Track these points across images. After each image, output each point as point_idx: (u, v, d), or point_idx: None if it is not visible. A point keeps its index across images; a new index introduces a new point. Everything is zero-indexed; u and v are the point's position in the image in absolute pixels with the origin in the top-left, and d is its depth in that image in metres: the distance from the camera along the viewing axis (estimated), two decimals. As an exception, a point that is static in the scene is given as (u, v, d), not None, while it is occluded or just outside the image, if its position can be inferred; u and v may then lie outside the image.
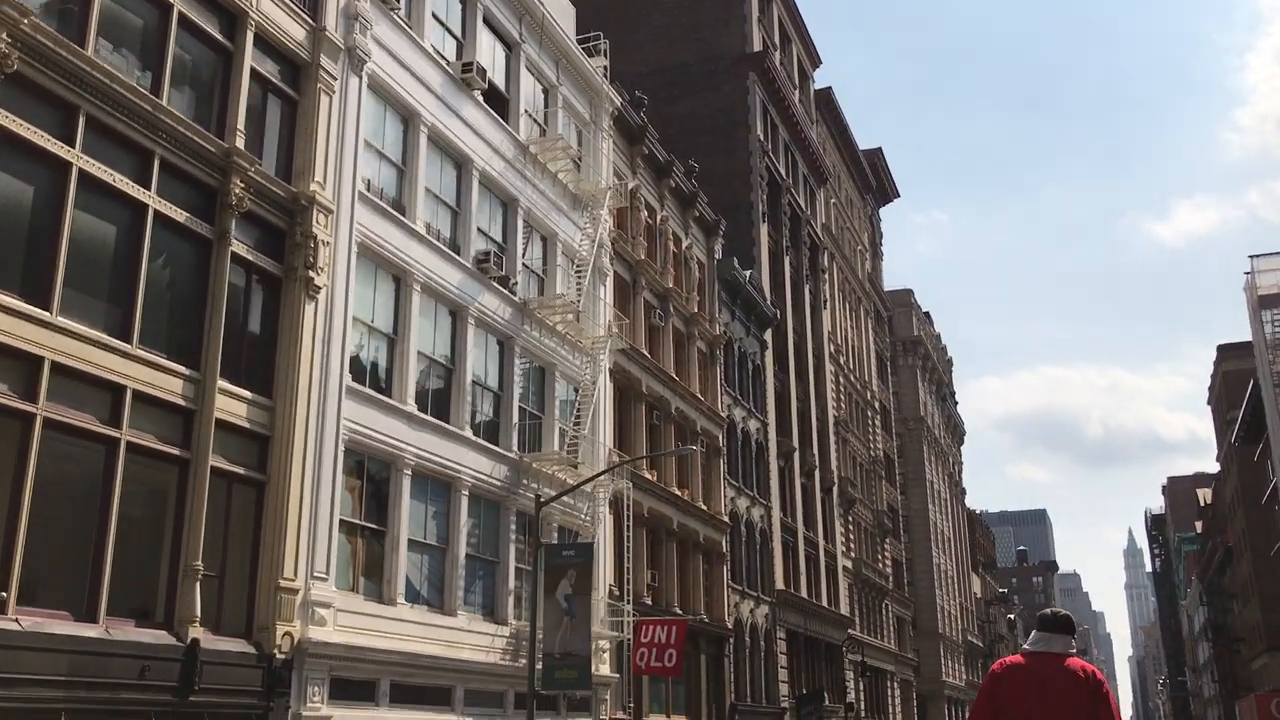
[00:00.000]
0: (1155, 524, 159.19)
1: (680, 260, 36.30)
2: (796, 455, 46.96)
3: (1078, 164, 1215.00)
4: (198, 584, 15.27)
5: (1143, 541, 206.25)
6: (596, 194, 28.44)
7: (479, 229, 24.05)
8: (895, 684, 60.92)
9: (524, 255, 26.10)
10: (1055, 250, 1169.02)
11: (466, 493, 22.12)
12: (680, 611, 32.05)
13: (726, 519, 36.89)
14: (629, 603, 27.03)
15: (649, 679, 29.25)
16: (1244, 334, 68.42)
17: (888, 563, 63.19)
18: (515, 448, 24.23)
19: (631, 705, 26.84)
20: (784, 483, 45.42)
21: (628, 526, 27.58)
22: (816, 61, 59.19)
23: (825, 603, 48.39)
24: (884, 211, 79.33)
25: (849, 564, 53.87)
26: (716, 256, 39.41)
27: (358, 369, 19.81)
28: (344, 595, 18.57)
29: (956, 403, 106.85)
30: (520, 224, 25.66)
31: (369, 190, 20.52)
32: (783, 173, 49.97)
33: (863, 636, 54.73)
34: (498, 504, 23.45)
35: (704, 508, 35.04)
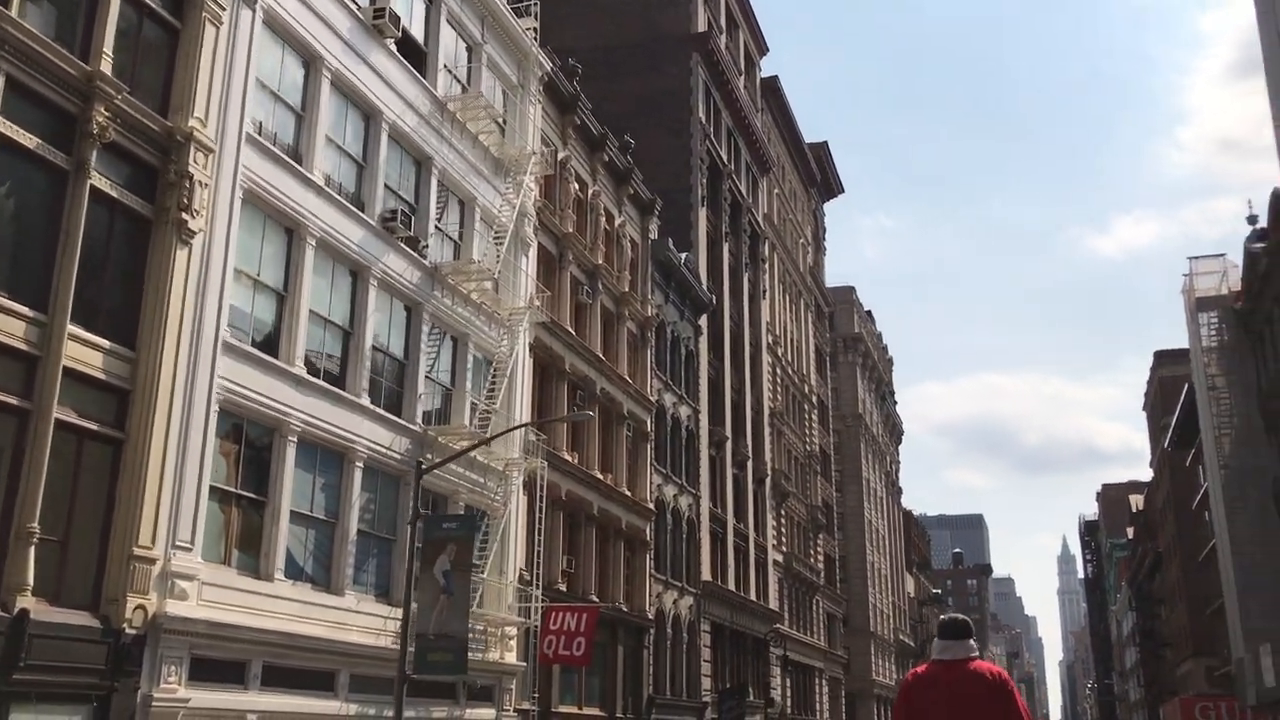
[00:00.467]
0: (1088, 530, 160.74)
1: (612, 238, 35.04)
2: (729, 445, 45.93)
3: (1023, 176, 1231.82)
4: (32, 549, 13.75)
5: (1076, 548, 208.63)
6: (520, 159, 27.07)
7: (387, 186, 22.61)
8: (823, 681, 60.21)
9: (439, 219, 24.69)
10: (999, 260, 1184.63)
11: (361, 465, 20.70)
12: (597, 600, 30.81)
13: (652, 506, 35.73)
14: (538, 588, 25.73)
15: (561, 669, 28.00)
16: (1180, 341, 68.78)
17: (820, 558, 62.47)
18: (420, 420, 22.84)
19: (537, 695, 25.55)
20: (715, 472, 44.36)
21: (540, 508, 26.27)
22: (763, 49, 58.19)
23: (753, 596, 47.43)
24: (833, 213, 79.14)
25: (780, 558, 52.99)
26: (651, 237, 38.20)
27: (240, 325, 18.31)
28: (212, 568, 17.09)
29: (896, 402, 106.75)
30: (434, 184, 24.24)
31: (260, 134, 19.02)
32: (725, 158, 48.90)
33: (791, 632, 53.90)
34: (397, 479, 22.03)
35: (628, 494, 33.83)
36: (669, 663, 36.86)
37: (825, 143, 70.68)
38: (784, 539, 54.46)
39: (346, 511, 20.33)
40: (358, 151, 21.95)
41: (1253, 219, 40.29)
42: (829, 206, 79.46)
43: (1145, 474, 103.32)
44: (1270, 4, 28.22)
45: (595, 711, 30.74)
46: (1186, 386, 54.55)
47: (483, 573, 23.83)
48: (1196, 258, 45.21)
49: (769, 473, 52.04)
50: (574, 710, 29.46)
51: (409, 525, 19.21)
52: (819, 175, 70.61)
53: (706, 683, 40.31)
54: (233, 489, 17.95)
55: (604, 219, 34.17)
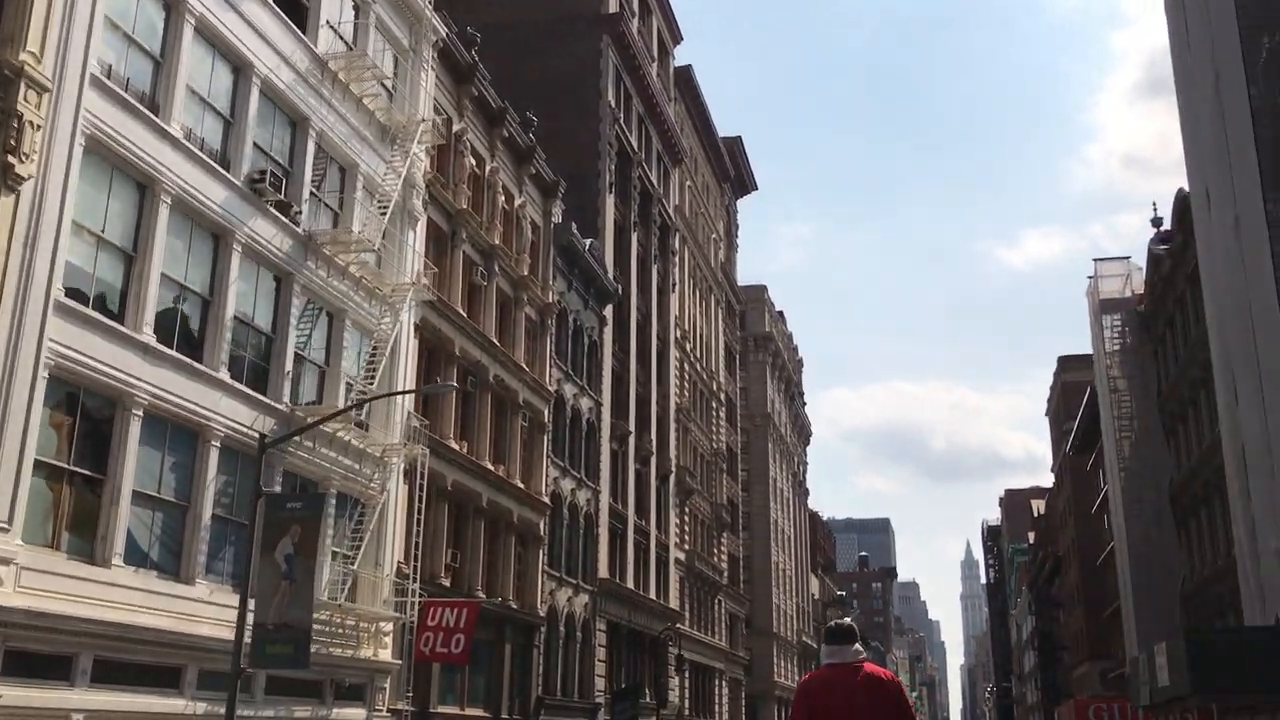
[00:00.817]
0: (991, 535, 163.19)
1: (511, 218, 33.70)
2: (632, 439, 44.85)
3: (935, 187, 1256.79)
4: None
5: (979, 554, 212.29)
6: (409, 126, 25.60)
7: (257, 145, 21.00)
8: (724, 682, 59.47)
9: (316, 185, 23.13)
10: (911, 270, 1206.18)
11: (218, 444, 19.09)
12: (484, 596, 29.46)
13: (547, 500, 34.45)
14: (416, 581, 24.29)
15: (442, 667, 26.58)
16: (1084, 348, 69.65)
17: (724, 558, 61.76)
18: (287, 400, 21.28)
19: (410, 694, 24.11)
20: (616, 467, 43.24)
21: (420, 498, 24.83)
22: (677, 37, 57.30)
23: (654, 595, 46.42)
24: (748, 215, 78.37)
25: (682, 556, 52.07)
26: (555, 220, 36.94)
27: (78, 285, 16.63)
28: (36, 551, 15.42)
29: (805, 404, 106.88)
30: (311, 148, 22.68)
31: (110, 78, 17.34)
32: (635, 145, 47.84)
33: (692, 632, 53.02)
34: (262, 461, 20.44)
35: (521, 486, 32.51)
36: (561, 662, 35.63)
37: (739, 138, 70.13)
38: (687, 537, 53.58)
39: (200, 494, 18.72)
40: (224, 106, 20.33)
41: (1157, 221, 40.46)
42: (742, 205, 78.97)
43: (1047, 480, 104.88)
44: (1181, 22, 27.97)
45: (479, 712, 29.36)
46: (1089, 390, 54.98)
47: (353, 564, 22.36)
48: (1101, 260, 45.43)
49: (673, 469, 51.10)
50: (455, 711, 28.06)
51: (256, 505, 17.62)
52: (733, 170, 69.99)
53: (600, 683, 39.15)
54: (65, 465, 16.26)
55: (502, 198, 32.82)
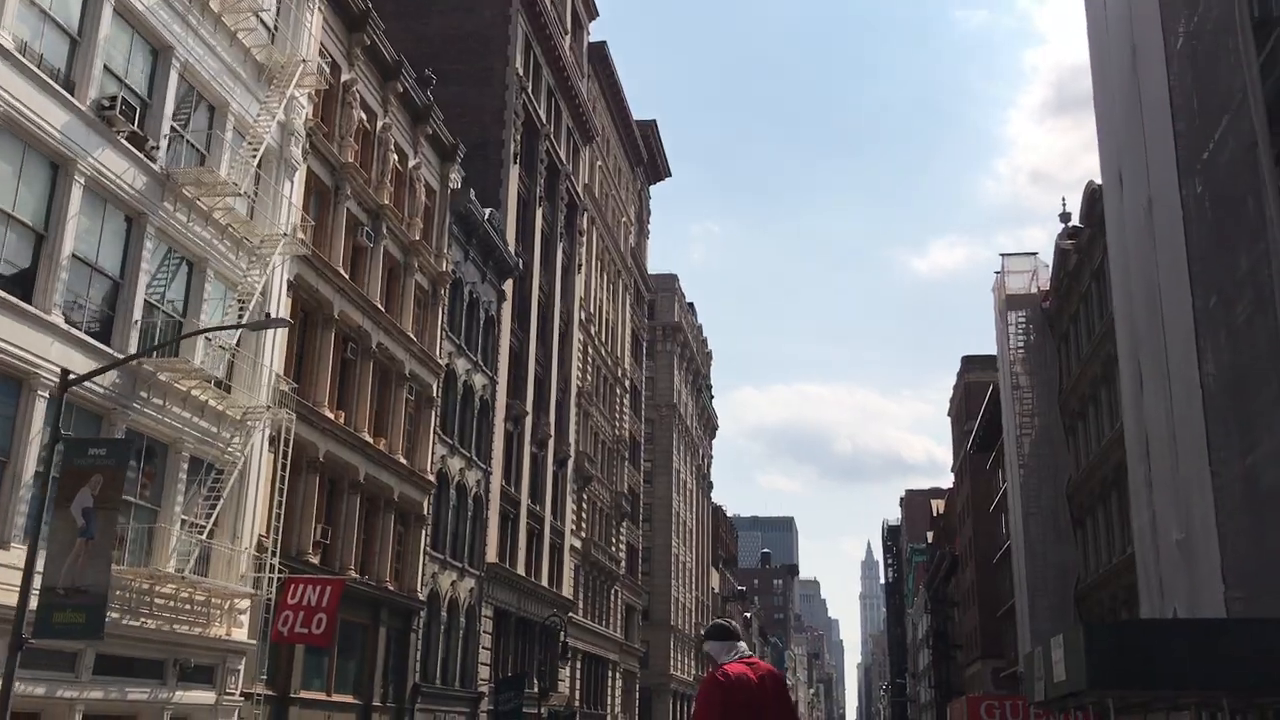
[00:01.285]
0: (891, 535, 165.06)
1: (404, 180, 31.91)
2: (529, 421, 43.31)
3: (848, 193, 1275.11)
4: None
5: (879, 554, 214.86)
6: (289, 67, 23.73)
7: (109, 69, 19.03)
8: (617, 674, 58.26)
9: (182, 125, 21.19)
10: (820, 273, 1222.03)
11: (46, 395, 17.13)
12: (356, 575, 27.71)
13: (432, 479, 32.78)
14: (275, 555, 22.50)
15: (307, 650, 24.81)
16: (988, 352, 69.99)
17: (622, 547, 60.53)
18: (135, 350, 19.34)
19: (264, 678, 22.31)
20: (511, 448, 41.68)
21: (283, 465, 23.02)
22: (593, 12, 55.79)
23: (546, 582, 44.95)
24: (662, 207, 77.11)
25: (578, 544, 50.68)
26: (452, 186, 35.20)
27: (-125, 204, 14.61)
28: None
29: (713, 397, 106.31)
30: (175, 80, 20.72)
31: (-74, -27, 15.32)
32: (543, 118, 46.25)
33: (586, 622, 51.69)
34: (100, 417, 18.53)
35: (404, 462, 30.78)
36: (442, 649, 33.99)
37: (654, 122, 68.90)
38: (584, 525, 52.21)
39: (21, 448, 16.75)
40: (72, 23, 18.32)
41: (1065, 216, 40.18)
42: (656, 194, 77.91)
43: (948, 482, 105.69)
44: (1100, 3, 27.39)
45: (347, 699, 27.61)
46: (991, 388, 54.95)
47: (205, 534, 20.52)
48: (1009, 255, 45.16)
49: (572, 454, 49.68)
50: (321, 696, 26.28)
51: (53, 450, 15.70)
52: (646, 154, 68.74)
53: (485, 672, 37.60)
54: None
55: (395, 156, 31.02)
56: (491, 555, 38.32)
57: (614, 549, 58.18)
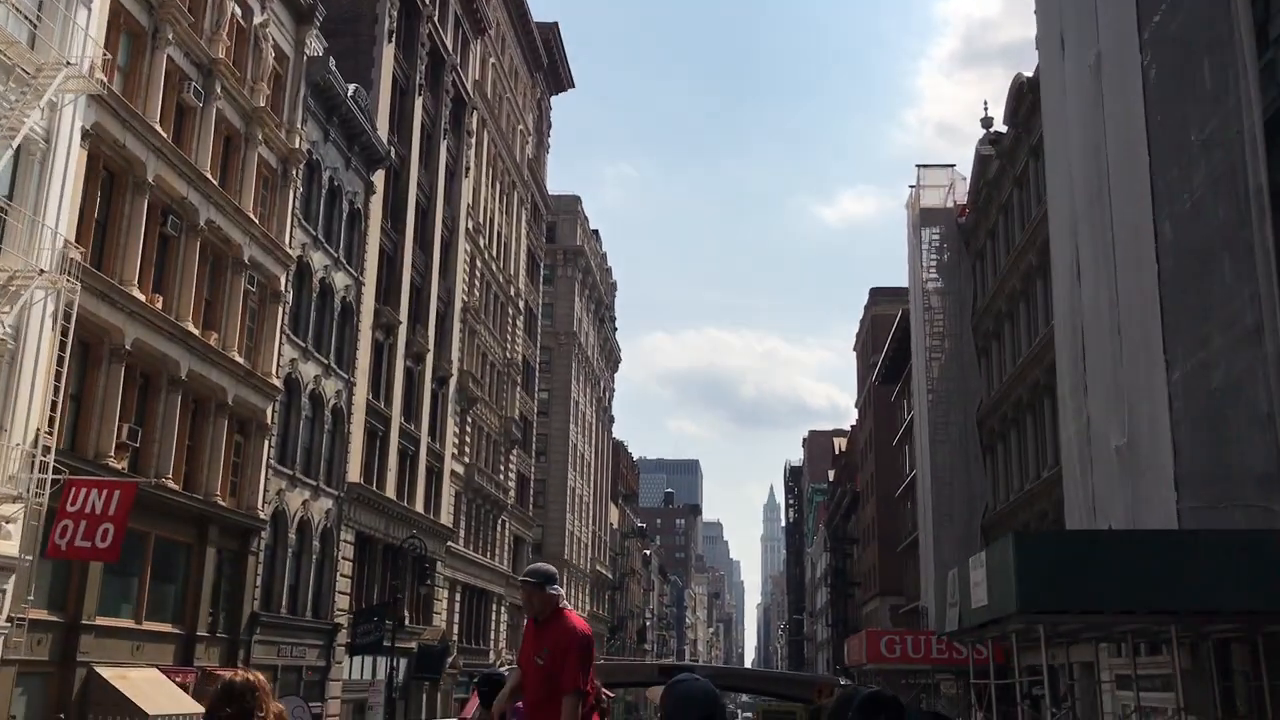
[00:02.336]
0: (793, 476, 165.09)
1: (246, 37, 27.57)
2: (403, 332, 39.43)
3: (758, 140, 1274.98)
4: None
5: (781, 498, 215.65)
6: None
7: None
8: (503, 608, 55.14)
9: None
10: (731, 220, 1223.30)
11: None
12: (179, 488, 23.87)
13: (279, 384, 28.88)
14: (51, 454, 18.53)
15: (106, 568, 20.95)
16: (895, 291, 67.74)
17: (511, 476, 57.13)
18: None
19: (31, 599, 18.44)
20: (381, 360, 37.84)
21: (61, 345, 19.00)
22: (489, -107, 51.13)
23: (421, 508, 41.40)
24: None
25: (460, 469, 47.14)
26: (309, 53, 30.89)
27: None
28: None
29: (616, 328, 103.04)
30: None
31: None
32: (427, -1, 41.83)
33: (467, 552, 48.35)
34: None
35: (241, 361, 26.81)
36: (290, 574, 30.36)
37: (556, 24, 64.48)
38: (468, 449, 48.65)
39: None
40: None
41: (987, 121, 37.35)
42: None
43: (850, 426, 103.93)
44: None
45: (163, 627, 23.82)
46: (900, 314, 52.54)
47: (-56, 421, 16.51)
48: (925, 166, 42.32)
49: (455, 373, 45.96)
50: (129, 624, 22.49)
51: None
52: (547, 60, 64.39)
53: (346, 601, 34.06)
54: None
55: (236, 7, 26.65)
56: (354, 475, 34.61)
57: (502, 477, 54.76)
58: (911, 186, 42.98)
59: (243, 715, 4.69)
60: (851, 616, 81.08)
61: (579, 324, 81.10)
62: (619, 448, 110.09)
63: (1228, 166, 15.71)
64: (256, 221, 27.60)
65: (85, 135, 20.49)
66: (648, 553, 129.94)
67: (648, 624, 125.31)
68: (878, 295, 75.93)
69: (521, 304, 60.03)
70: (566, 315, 78.46)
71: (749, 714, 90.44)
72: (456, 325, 46.47)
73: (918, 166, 42.32)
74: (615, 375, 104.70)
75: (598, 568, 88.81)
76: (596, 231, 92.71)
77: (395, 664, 39.35)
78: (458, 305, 46.48)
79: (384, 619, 32.63)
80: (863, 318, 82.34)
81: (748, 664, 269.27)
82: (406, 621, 40.46)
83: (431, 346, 42.90)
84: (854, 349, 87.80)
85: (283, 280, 29.18)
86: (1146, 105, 16.75)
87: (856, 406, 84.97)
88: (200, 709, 22.72)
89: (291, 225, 29.81)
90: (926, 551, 40.46)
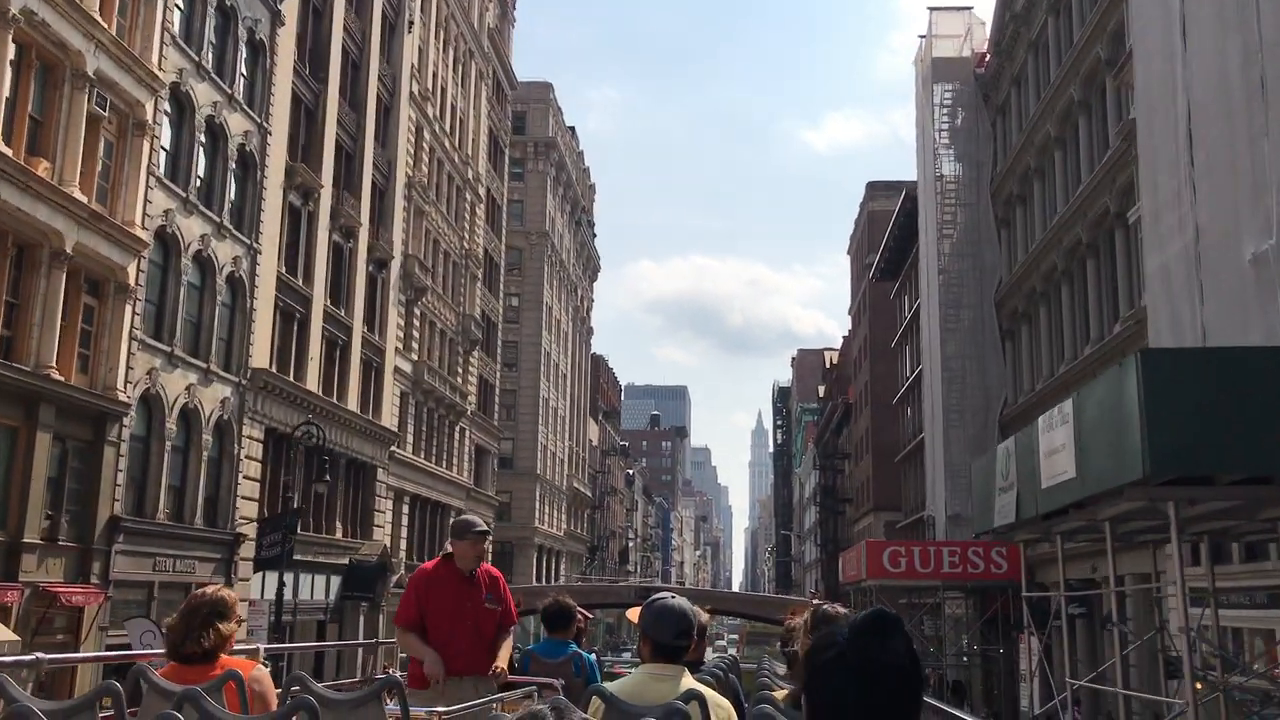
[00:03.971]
0: (781, 397, 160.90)
1: None
2: (326, 199, 33.70)
3: (744, 65, 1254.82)
4: None
5: (769, 423, 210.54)
6: None
7: None
8: (462, 524, 50.08)
9: None
10: (718, 145, 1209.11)
11: None
12: (-16, 351, 18.41)
13: (144, 237, 23.25)
14: None
15: None
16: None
17: (472, 380, 51.76)
18: None
19: None
20: (297, 228, 32.19)
21: None
22: None
23: (356, 407, 36.06)
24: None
25: (406, 367, 41.73)
26: None
27: None
28: None
29: (595, 235, 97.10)
30: None
31: None
32: None
33: (418, 460, 43.17)
34: None
35: (81, 199, 21.12)
36: (174, 474, 25.03)
37: (519, -122, 57.63)
38: (416, 344, 43.20)
39: None
40: None
41: (1016, -62, 31.36)
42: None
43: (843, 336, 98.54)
44: None
45: (-32, 533, 18.53)
46: (903, 196, 46.85)
47: None
48: (938, 9, 36.33)
49: (398, 257, 40.33)
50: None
51: None
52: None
53: (254, 509, 28.84)
54: None
55: None
56: (262, 360, 29.16)
57: (461, 381, 49.38)
58: (921, 36, 37.12)
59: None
60: (842, 535, 76.56)
61: (552, 224, 75.21)
62: (599, 362, 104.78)
63: None
64: (107, 28, 21.73)
65: None
66: (631, 472, 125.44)
67: (630, 544, 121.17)
68: (875, 190, 70.15)
69: (482, 190, 54.13)
70: (538, 213, 72.54)
71: (734, 636, 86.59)
72: (399, 202, 40.71)
73: (929, 10, 36.38)
74: (594, 285, 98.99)
75: (575, 485, 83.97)
76: (573, 129, 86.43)
77: (328, 583, 34.38)
78: (400, 179, 40.67)
79: (293, 529, 27.40)
80: (858, 217, 76.59)
81: (735, 587, 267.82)
82: (341, 535, 35.44)
83: (366, 222, 37.20)
84: (848, 252, 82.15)
85: (149, 109, 23.39)
86: None
87: (850, 314, 79.59)
88: (14, 637, 17.43)
89: (162, 42, 23.95)
90: (936, 455, 35.30)
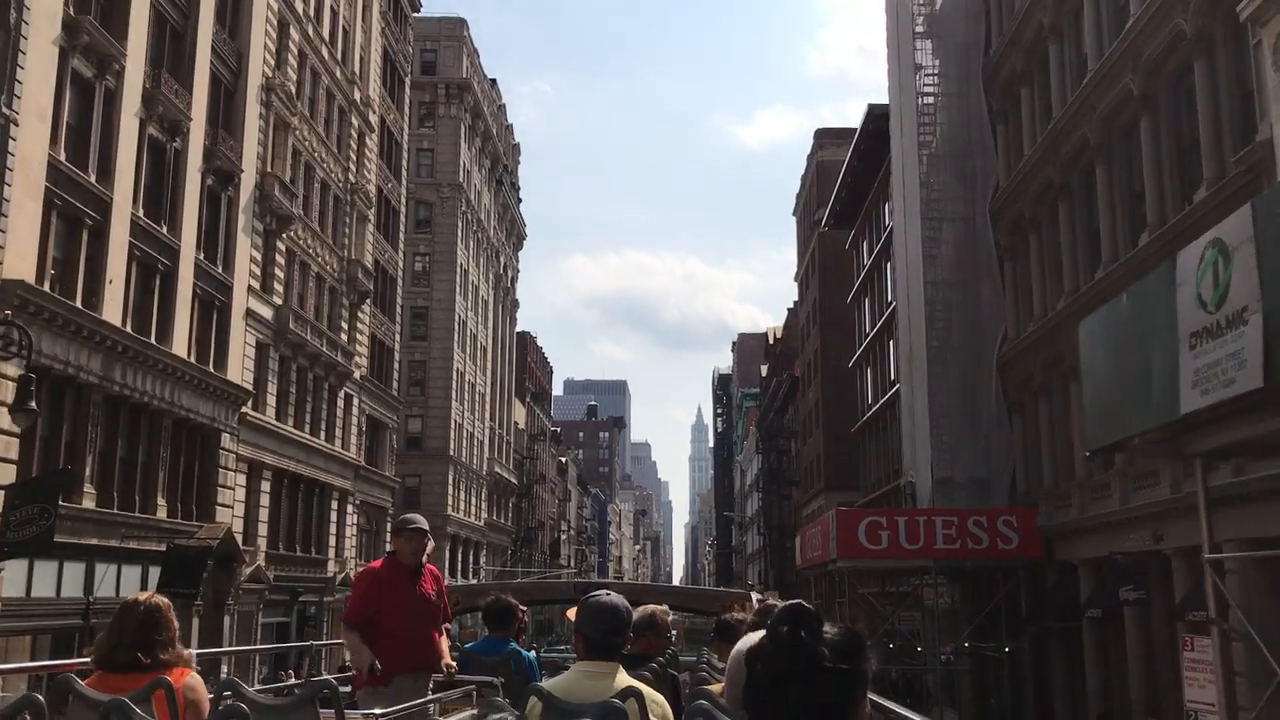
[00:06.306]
0: (721, 384, 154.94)
1: None
2: (130, 75, 25.88)
3: (676, 58, 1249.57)
4: None
5: (709, 417, 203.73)
6: None
7: None
8: (349, 506, 42.45)
9: None
10: (650, 138, 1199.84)
11: None
12: None
13: None
14: None
15: None
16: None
17: (361, 339, 44.04)
18: None
19: None
20: (86, 104, 24.40)
21: None
22: None
23: (185, 352, 28.36)
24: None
25: (265, 311, 33.98)
26: None
27: None
28: None
29: (520, 199, 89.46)
30: None
31: None
32: None
33: (284, 427, 35.47)
34: None
35: None
36: None
37: None
38: (281, 287, 35.48)
39: None
40: None
41: None
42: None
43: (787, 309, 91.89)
44: None
45: None
46: (866, 112, 39.97)
47: None
48: None
49: (252, 173, 32.62)
50: None
51: None
52: None
53: (10, 473, 21.10)
54: None
55: None
56: (20, 270, 21.39)
57: (343, 337, 41.65)
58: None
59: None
60: (788, 521, 69.91)
61: (467, 176, 67.52)
62: (527, 339, 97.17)
63: None
64: None
65: None
66: (564, 460, 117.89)
67: (563, 537, 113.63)
68: (825, 139, 63.50)
69: (374, 119, 46.39)
70: (450, 163, 64.84)
71: (673, 631, 79.57)
72: (254, 107, 32.97)
73: None
74: (519, 253, 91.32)
75: (497, 470, 76.32)
76: (495, 81, 78.78)
77: (144, 574, 26.62)
78: (255, 80, 32.93)
79: (56, 498, 19.71)
80: (804, 173, 69.97)
81: (676, 582, 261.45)
82: (167, 515, 27.74)
83: (203, 122, 29.47)
84: (793, 214, 75.43)
85: None
86: None
87: (796, 279, 72.85)
88: None
89: None
90: (917, 409, 28.26)
